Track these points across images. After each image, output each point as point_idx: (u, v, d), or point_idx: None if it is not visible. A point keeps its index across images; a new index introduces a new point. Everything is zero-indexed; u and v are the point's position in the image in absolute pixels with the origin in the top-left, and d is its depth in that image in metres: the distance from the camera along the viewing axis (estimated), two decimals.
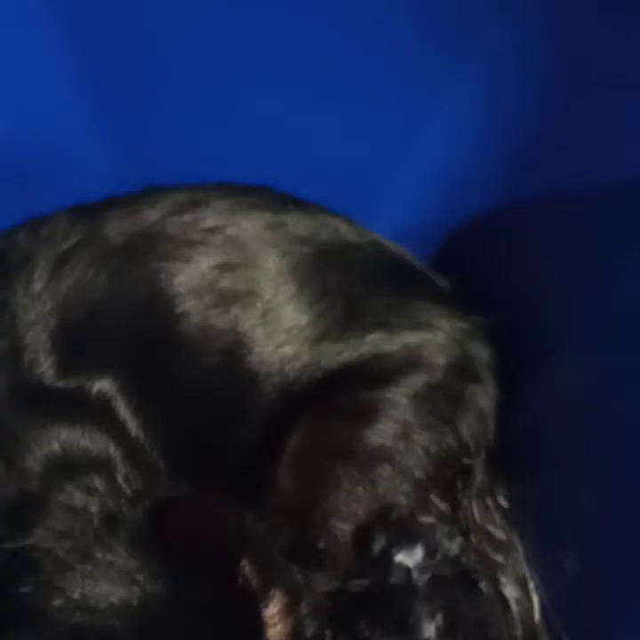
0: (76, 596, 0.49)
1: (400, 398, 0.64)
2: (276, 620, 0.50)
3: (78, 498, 0.54)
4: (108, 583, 0.49)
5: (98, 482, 0.55)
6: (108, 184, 0.69)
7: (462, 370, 0.68)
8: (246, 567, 0.49)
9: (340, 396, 0.64)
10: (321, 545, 0.60)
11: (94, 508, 0.54)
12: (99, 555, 0.51)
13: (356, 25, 0.67)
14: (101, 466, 0.56)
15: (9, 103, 0.68)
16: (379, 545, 0.62)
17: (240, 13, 0.66)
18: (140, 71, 0.69)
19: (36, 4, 0.63)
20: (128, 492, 0.55)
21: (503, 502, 0.67)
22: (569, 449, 0.62)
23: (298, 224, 0.69)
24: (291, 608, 0.51)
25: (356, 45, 0.69)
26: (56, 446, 0.56)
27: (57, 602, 0.49)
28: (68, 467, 0.56)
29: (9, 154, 0.70)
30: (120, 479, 0.56)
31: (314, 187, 0.72)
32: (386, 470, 0.62)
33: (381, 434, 0.63)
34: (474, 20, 0.65)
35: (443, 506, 0.65)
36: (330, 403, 0.64)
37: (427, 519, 0.64)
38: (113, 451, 0.57)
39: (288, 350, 0.65)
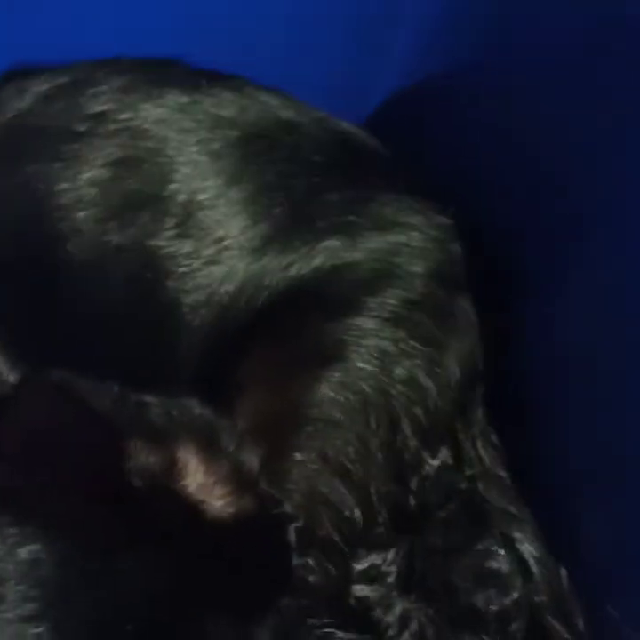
0: None
1: (372, 325, 0.50)
2: None
3: None
4: None
5: None
6: None
7: (446, 277, 0.53)
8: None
9: (294, 331, 0.49)
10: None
11: None
12: None
13: None
14: None
15: None
16: None
17: None
18: None
19: None
20: None
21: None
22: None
23: (218, 102, 0.55)
24: None
25: None
26: None
27: None
28: None
29: None
30: None
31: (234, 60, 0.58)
32: (366, 424, 0.48)
33: (354, 380, 0.48)
34: None
35: (444, 451, 0.51)
36: (284, 343, 0.49)
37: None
38: None
39: (219, 268, 0.50)
